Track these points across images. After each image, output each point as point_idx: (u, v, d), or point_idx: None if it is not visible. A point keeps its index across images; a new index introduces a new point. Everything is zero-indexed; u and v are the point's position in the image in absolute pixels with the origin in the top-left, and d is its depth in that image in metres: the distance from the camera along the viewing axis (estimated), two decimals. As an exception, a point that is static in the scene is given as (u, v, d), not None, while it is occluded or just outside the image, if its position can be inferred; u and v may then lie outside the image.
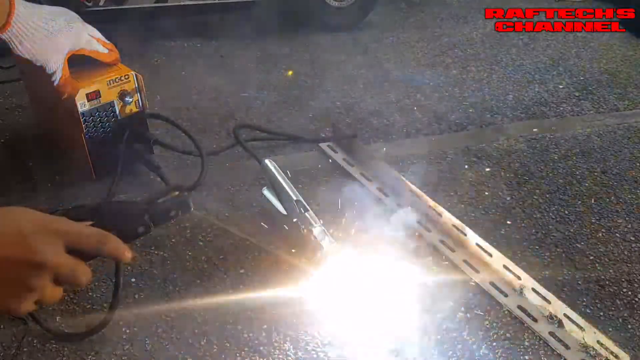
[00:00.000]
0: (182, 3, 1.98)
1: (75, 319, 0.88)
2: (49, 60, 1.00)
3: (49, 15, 0.97)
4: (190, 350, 0.84)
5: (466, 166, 1.29)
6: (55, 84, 1.04)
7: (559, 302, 0.88)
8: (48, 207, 1.12)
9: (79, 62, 1.14)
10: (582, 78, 1.74)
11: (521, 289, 0.94)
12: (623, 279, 0.97)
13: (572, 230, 1.09)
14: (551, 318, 0.89)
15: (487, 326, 0.88)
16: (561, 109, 1.56)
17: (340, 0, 2.07)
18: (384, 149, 1.35)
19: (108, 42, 1.12)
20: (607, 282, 0.97)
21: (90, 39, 1.06)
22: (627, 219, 1.12)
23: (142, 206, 0.56)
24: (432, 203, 1.09)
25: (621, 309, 0.92)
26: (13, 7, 0.92)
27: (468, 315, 0.90)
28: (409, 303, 0.92)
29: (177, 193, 0.59)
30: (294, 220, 0.98)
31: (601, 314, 0.91)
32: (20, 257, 0.46)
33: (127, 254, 0.54)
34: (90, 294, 0.93)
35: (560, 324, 0.88)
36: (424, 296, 0.93)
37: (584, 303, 0.93)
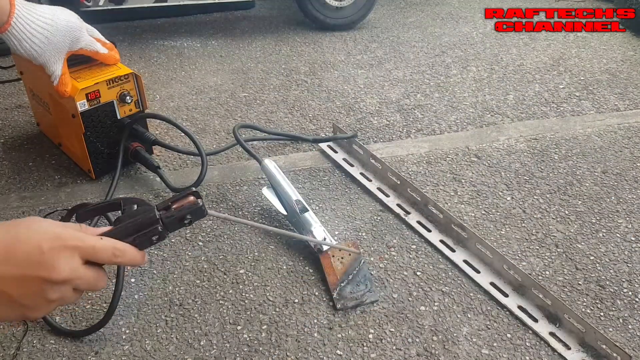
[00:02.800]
0: (182, 3, 1.98)
1: (75, 318, 0.88)
2: (49, 60, 1.00)
3: (49, 15, 0.97)
4: (190, 350, 0.84)
5: (466, 166, 1.29)
6: (54, 84, 1.04)
7: (559, 302, 0.88)
8: (62, 208, 1.12)
9: (79, 62, 1.14)
10: (582, 78, 1.74)
11: (521, 289, 0.94)
12: (623, 279, 0.97)
13: (572, 230, 1.09)
14: (551, 318, 0.89)
15: (488, 326, 0.88)
16: (561, 109, 1.56)
17: (340, 0, 2.07)
18: (384, 149, 1.36)
19: (108, 42, 1.13)
20: (607, 282, 0.97)
21: (90, 39, 1.06)
22: (627, 219, 1.12)
23: (156, 213, 0.56)
24: (432, 203, 1.09)
25: (621, 309, 0.92)
26: (13, 7, 0.92)
27: (468, 315, 0.90)
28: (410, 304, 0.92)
29: (191, 198, 0.58)
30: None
31: (601, 314, 0.91)
32: (39, 275, 0.46)
33: (142, 262, 0.56)
34: (90, 294, 0.93)
35: (560, 324, 0.88)
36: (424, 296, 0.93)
37: (584, 303, 0.93)
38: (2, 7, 0.91)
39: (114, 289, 0.90)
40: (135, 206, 0.57)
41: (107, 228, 0.55)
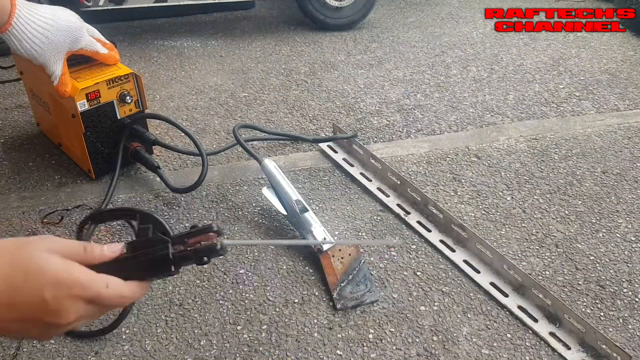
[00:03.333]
0: (182, 3, 1.98)
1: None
2: (49, 60, 1.00)
3: (49, 15, 0.97)
4: (190, 350, 0.84)
5: (466, 166, 1.29)
6: (54, 84, 1.04)
7: (559, 302, 0.88)
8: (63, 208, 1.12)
9: (79, 62, 1.14)
10: (582, 78, 1.74)
11: (521, 289, 0.94)
12: (623, 279, 0.97)
13: (572, 230, 1.09)
14: (551, 318, 0.89)
15: (488, 326, 0.88)
16: (561, 109, 1.56)
17: (340, 0, 2.07)
18: (384, 149, 1.36)
19: (108, 42, 1.13)
20: (607, 282, 0.97)
21: (91, 39, 1.06)
22: (627, 219, 1.12)
23: (170, 251, 0.51)
24: (432, 203, 1.09)
25: (621, 309, 0.92)
26: (14, 7, 0.92)
27: (468, 315, 0.90)
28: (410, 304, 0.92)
29: (211, 235, 0.52)
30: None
31: (601, 314, 0.91)
32: (45, 321, 0.46)
33: (144, 295, 0.55)
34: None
35: (560, 324, 0.88)
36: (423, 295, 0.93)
37: (584, 303, 0.93)
38: (3, 7, 0.91)
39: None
40: (150, 230, 0.52)
41: (117, 247, 0.51)
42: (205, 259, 0.51)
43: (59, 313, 0.45)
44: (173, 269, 0.51)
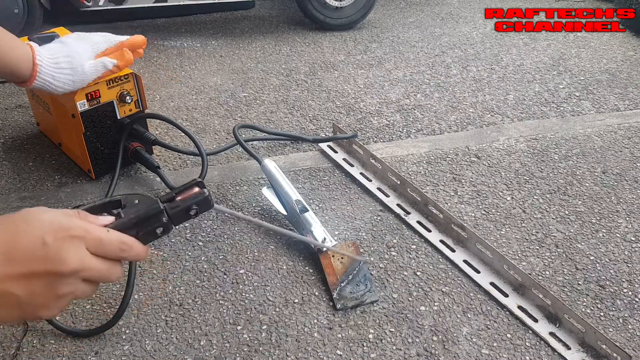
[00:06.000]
0: (182, 3, 1.98)
1: (75, 318, 0.88)
2: (82, 84, 1.03)
3: (72, 53, 0.98)
4: (190, 350, 0.84)
5: (466, 166, 1.29)
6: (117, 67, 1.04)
7: (559, 302, 0.88)
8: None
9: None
10: (582, 78, 1.74)
11: (521, 289, 0.94)
12: (623, 279, 0.97)
13: (572, 230, 1.09)
14: (551, 318, 0.89)
15: (488, 326, 0.88)
16: (561, 109, 1.56)
17: (340, 0, 2.07)
18: (384, 149, 1.36)
19: (119, 41, 1.06)
20: (607, 282, 0.97)
21: (109, 61, 1.04)
22: (627, 219, 1.12)
23: (160, 205, 0.53)
24: (432, 203, 1.09)
25: (621, 309, 0.92)
26: (35, 67, 0.94)
27: (468, 315, 0.90)
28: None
29: (197, 190, 0.55)
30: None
31: (601, 314, 0.91)
32: (46, 270, 0.44)
33: (145, 257, 0.54)
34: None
35: (560, 324, 0.88)
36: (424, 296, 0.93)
37: (584, 303, 0.93)
38: (25, 63, 0.93)
39: (124, 293, 0.90)
40: (137, 201, 0.54)
41: (109, 219, 0.52)
42: (195, 210, 0.54)
43: (60, 257, 0.44)
44: (165, 219, 0.52)
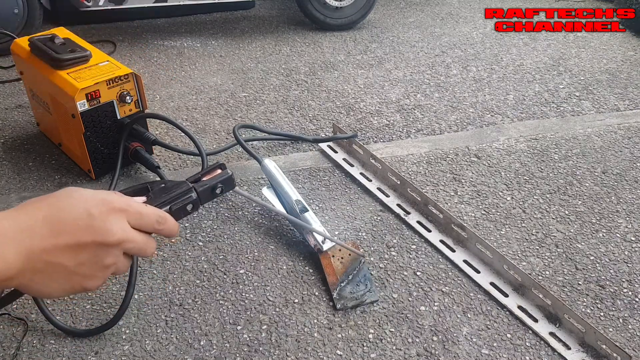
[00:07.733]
0: (182, 3, 1.98)
1: (75, 318, 0.88)
2: None
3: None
4: (190, 350, 0.84)
5: (466, 166, 1.29)
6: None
7: (559, 302, 0.88)
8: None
9: (79, 62, 1.14)
10: (582, 78, 1.74)
11: (521, 289, 0.94)
12: (623, 279, 0.97)
13: (572, 230, 1.09)
14: (551, 318, 0.89)
15: (488, 326, 0.88)
16: (561, 109, 1.56)
17: (340, 0, 2.07)
18: (384, 149, 1.36)
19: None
20: (607, 282, 0.97)
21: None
22: (627, 219, 1.12)
23: (188, 185, 0.57)
24: (432, 203, 1.09)
25: (621, 309, 0.92)
26: None
27: (468, 315, 0.90)
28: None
29: (220, 171, 0.59)
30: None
31: (601, 314, 0.91)
32: (93, 240, 0.46)
33: (177, 233, 0.56)
34: (89, 293, 0.93)
35: (560, 324, 0.88)
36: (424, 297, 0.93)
37: (584, 303, 0.93)
38: None
39: (124, 293, 0.89)
40: (163, 185, 0.58)
41: (142, 198, 0.55)
42: (220, 188, 0.59)
43: (106, 228, 0.46)
44: (195, 196, 0.57)
